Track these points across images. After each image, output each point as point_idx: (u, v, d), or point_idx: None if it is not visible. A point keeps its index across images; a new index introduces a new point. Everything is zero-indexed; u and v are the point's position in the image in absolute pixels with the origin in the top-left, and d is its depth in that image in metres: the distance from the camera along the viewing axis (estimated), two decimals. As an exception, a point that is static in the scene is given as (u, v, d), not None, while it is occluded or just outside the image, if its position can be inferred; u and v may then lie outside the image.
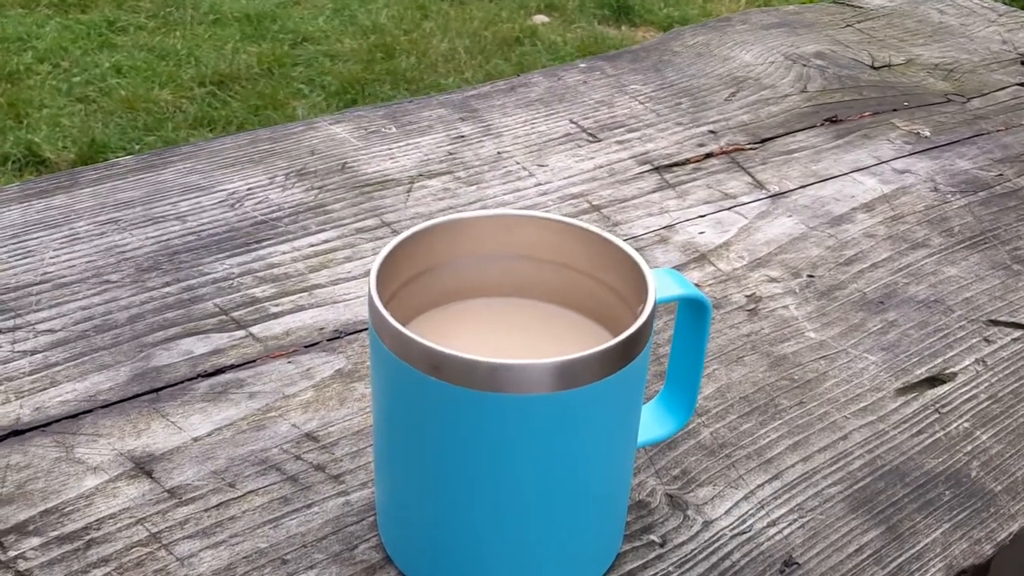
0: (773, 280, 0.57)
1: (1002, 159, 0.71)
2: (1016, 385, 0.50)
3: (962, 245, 0.61)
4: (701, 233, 0.61)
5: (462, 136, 0.69)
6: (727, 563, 0.39)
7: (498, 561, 0.36)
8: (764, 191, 0.65)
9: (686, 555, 0.40)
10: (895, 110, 0.78)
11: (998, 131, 0.75)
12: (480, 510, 0.34)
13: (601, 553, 0.38)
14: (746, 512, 0.42)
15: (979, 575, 0.41)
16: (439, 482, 0.34)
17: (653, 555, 0.39)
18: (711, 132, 0.73)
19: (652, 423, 0.41)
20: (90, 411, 0.45)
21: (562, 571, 0.37)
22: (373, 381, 0.36)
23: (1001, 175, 0.69)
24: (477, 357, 0.31)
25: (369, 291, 0.34)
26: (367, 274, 0.55)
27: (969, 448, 0.46)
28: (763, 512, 0.42)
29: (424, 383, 0.32)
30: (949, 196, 0.66)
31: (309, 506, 0.41)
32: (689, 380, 0.40)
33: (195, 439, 0.44)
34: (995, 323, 0.54)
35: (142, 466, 0.42)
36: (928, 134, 0.74)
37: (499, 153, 0.68)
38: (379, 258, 0.35)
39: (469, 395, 0.32)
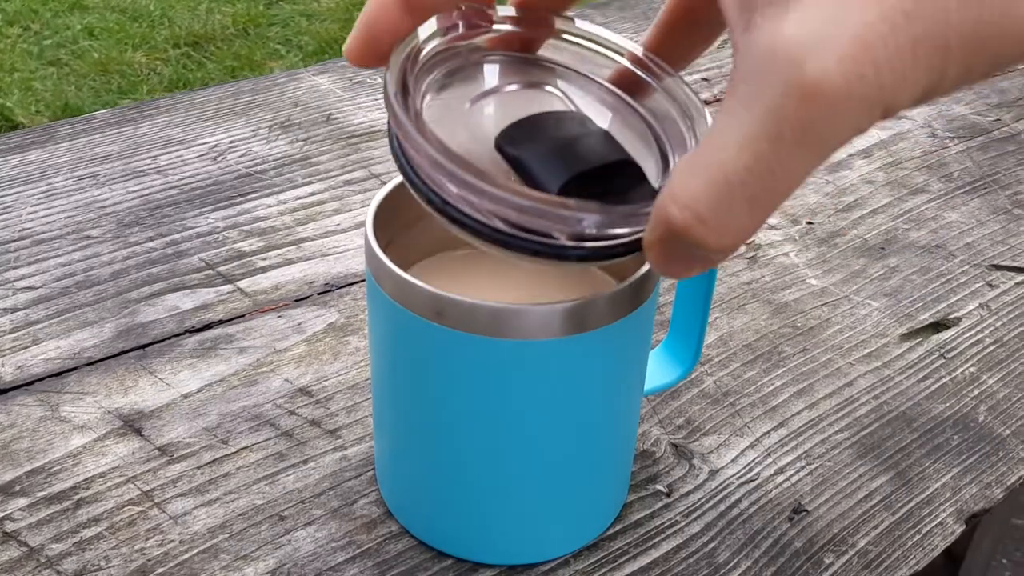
0: (772, 227, 0.56)
1: (999, 104, 0.70)
2: (1021, 329, 0.49)
3: (962, 190, 0.60)
4: (697, 181, 0.59)
5: (450, 86, 0.68)
6: (735, 511, 0.39)
7: (502, 512, 0.35)
8: (760, 138, 0.64)
9: (693, 504, 0.39)
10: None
11: (994, 76, 0.74)
12: (485, 460, 0.33)
13: (608, 503, 0.37)
14: (752, 460, 0.41)
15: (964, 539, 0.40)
16: (442, 432, 0.33)
17: (660, 504, 0.39)
18: (704, 80, 0.71)
19: (656, 371, 0.40)
20: (75, 369, 0.43)
21: (569, 522, 0.36)
22: (371, 330, 0.34)
23: (998, 120, 0.68)
24: (481, 301, 0.30)
25: (366, 235, 0.32)
26: (357, 226, 0.53)
27: (976, 392, 0.45)
28: (770, 460, 0.41)
29: (426, 329, 0.31)
30: (947, 141, 0.65)
31: (305, 461, 0.40)
32: (694, 328, 0.39)
33: (185, 396, 0.42)
34: (997, 267, 0.53)
35: (131, 424, 0.41)
36: (924, 80, 0.73)
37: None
38: (374, 203, 0.34)
39: (473, 340, 0.30)
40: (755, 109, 0.21)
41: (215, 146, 0.59)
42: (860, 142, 0.64)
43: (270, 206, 0.54)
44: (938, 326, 0.49)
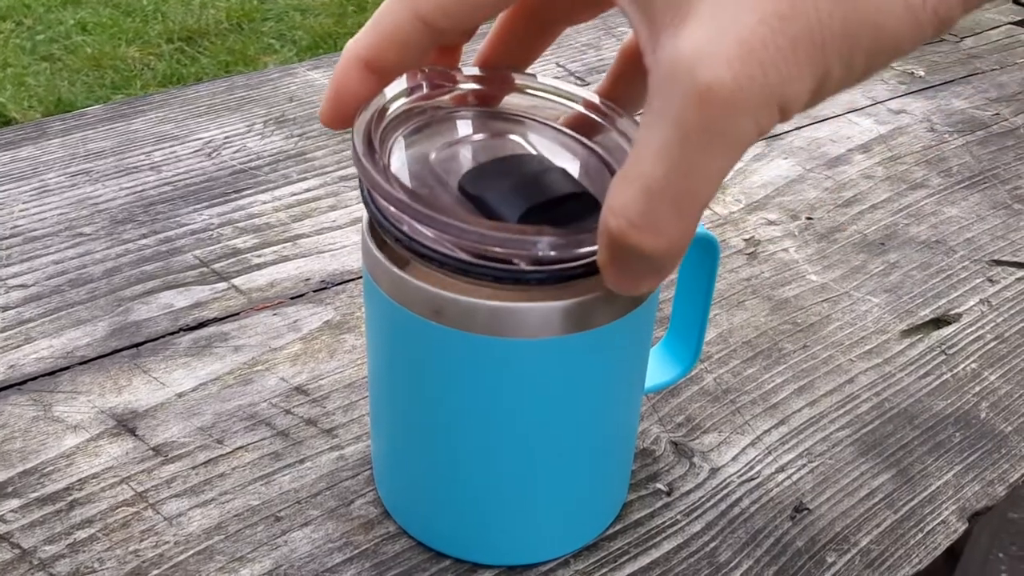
0: (771, 223, 0.55)
1: (998, 98, 0.70)
2: (1022, 325, 0.49)
3: (961, 185, 0.60)
4: (696, 177, 0.59)
5: (446, 81, 0.67)
6: (736, 510, 0.38)
7: (501, 511, 0.34)
8: (759, 133, 0.63)
9: (694, 503, 0.38)
10: (888, 50, 0.76)
11: (992, 70, 0.74)
12: (483, 459, 0.33)
13: (608, 503, 0.37)
14: (753, 458, 0.40)
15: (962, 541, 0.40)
16: (440, 432, 0.33)
17: (660, 503, 0.38)
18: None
19: (656, 369, 0.39)
20: (67, 368, 0.43)
21: (568, 521, 0.36)
22: (368, 329, 0.34)
23: (997, 114, 0.68)
24: (479, 300, 0.29)
25: (363, 233, 0.32)
26: (353, 223, 0.53)
27: (977, 389, 0.45)
28: (771, 458, 0.41)
29: (424, 328, 0.30)
30: (946, 136, 0.65)
31: (302, 461, 0.39)
32: (695, 325, 0.38)
33: (179, 395, 0.42)
34: (998, 263, 0.53)
35: (125, 424, 0.40)
36: (922, 74, 0.72)
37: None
38: None
39: (472, 340, 0.30)
40: (665, 119, 0.23)
41: (209, 142, 0.59)
42: (859, 137, 0.64)
43: (265, 202, 0.54)
44: (939, 322, 0.49)
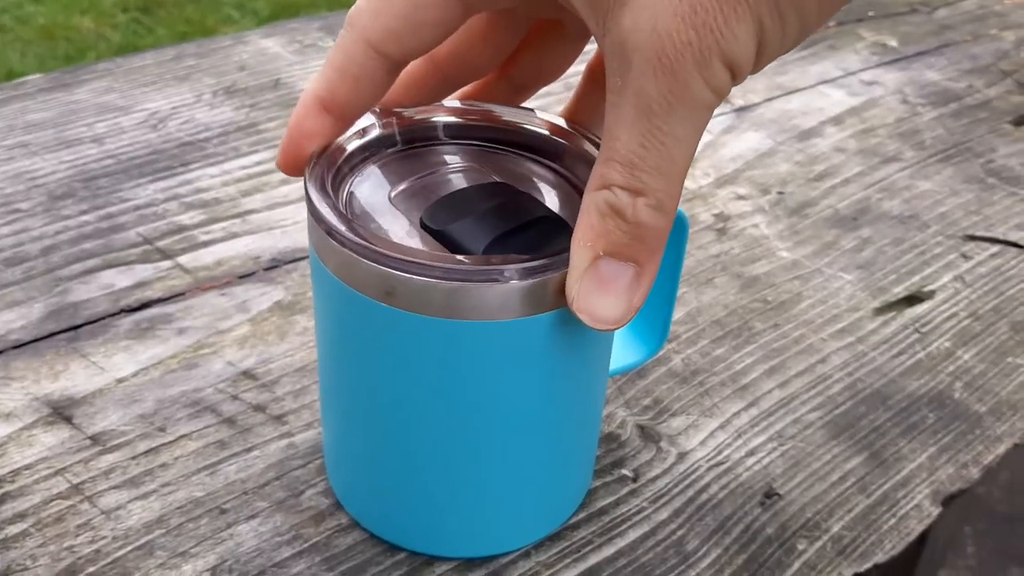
0: (741, 198, 0.54)
1: (971, 70, 0.69)
2: (996, 302, 0.48)
3: (935, 158, 0.58)
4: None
5: (406, 50, 0.65)
6: (704, 496, 0.37)
7: (459, 502, 0.33)
8: (728, 104, 0.62)
9: (661, 489, 0.37)
10: (860, 20, 0.74)
11: (965, 41, 0.73)
12: (439, 448, 0.31)
13: (571, 491, 0.35)
14: (722, 442, 0.39)
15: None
16: (392, 420, 0.31)
17: (626, 490, 0.37)
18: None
19: (622, 350, 0.38)
20: (0, 352, 0.41)
21: (530, 511, 0.34)
22: (316, 311, 0.32)
23: (971, 86, 0.67)
24: (434, 280, 0.27)
25: (309, 207, 0.29)
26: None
27: (951, 368, 0.43)
28: (740, 441, 0.39)
29: (375, 312, 0.28)
30: (919, 108, 0.63)
31: (249, 450, 0.37)
32: (662, 303, 0.36)
33: (119, 380, 0.39)
34: (972, 238, 0.52)
35: (60, 411, 0.38)
36: (895, 45, 0.71)
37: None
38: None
39: (426, 323, 0.28)
40: (625, 96, 0.24)
41: (155, 113, 0.56)
42: (831, 109, 0.62)
43: (213, 176, 0.51)
44: (912, 299, 0.47)
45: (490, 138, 0.33)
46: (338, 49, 0.28)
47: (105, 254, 0.46)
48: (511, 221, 0.29)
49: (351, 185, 0.31)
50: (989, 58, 0.70)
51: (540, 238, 0.28)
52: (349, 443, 0.33)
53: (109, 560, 0.33)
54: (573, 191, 0.32)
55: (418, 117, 0.32)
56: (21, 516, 0.34)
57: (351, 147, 0.31)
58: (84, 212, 0.48)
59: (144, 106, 0.57)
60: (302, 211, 0.49)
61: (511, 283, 0.27)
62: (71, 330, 0.42)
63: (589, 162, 0.31)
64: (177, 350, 0.41)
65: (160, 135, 0.54)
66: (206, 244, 0.47)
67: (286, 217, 0.49)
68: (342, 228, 0.27)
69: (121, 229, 0.47)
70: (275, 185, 0.51)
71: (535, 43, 0.33)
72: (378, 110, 0.32)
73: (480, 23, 0.32)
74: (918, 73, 0.68)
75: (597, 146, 0.31)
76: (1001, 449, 0.40)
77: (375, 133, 0.32)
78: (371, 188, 0.31)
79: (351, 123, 0.30)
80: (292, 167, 0.30)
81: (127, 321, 0.42)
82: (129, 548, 0.33)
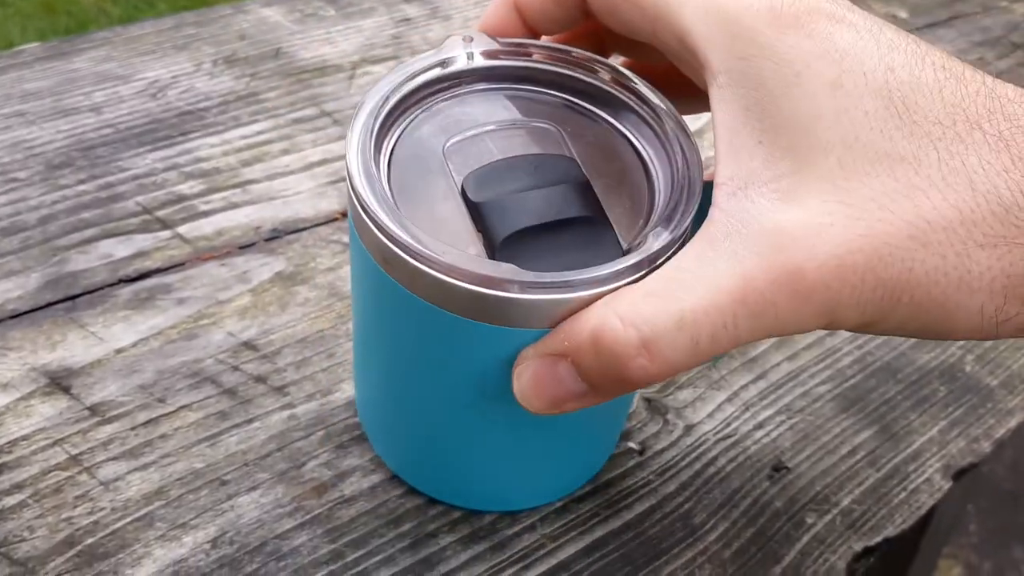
0: (749, 169, 0.53)
1: (982, 42, 0.68)
2: (1008, 275, 0.47)
3: (945, 130, 0.57)
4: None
5: (408, 19, 0.63)
6: (712, 469, 0.36)
7: (486, 466, 0.32)
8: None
9: (668, 462, 0.36)
10: (870, -9, 0.73)
11: (975, 13, 0.71)
12: (476, 434, 0.30)
13: (586, 468, 0.35)
14: (730, 415, 0.38)
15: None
16: (417, 391, 0.30)
17: (632, 463, 0.36)
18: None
19: None
20: (-4, 322, 0.40)
21: (549, 484, 0.33)
22: (354, 285, 0.30)
23: (981, 58, 0.65)
24: (486, 291, 0.25)
25: (350, 179, 0.27)
26: (306, 168, 0.49)
27: (963, 341, 0.43)
28: (748, 414, 0.38)
29: (428, 312, 0.27)
30: (929, 80, 0.62)
31: (250, 421, 0.36)
32: None
33: (118, 351, 0.39)
34: (983, 211, 0.51)
35: (58, 382, 0.37)
36: (905, 16, 0.70)
37: (448, 37, 0.62)
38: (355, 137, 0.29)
39: (471, 327, 0.26)
40: (731, 266, 0.23)
41: (154, 82, 0.55)
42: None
43: (213, 146, 0.50)
44: (922, 272, 0.47)
45: (580, 90, 0.30)
46: None
47: (104, 223, 0.45)
48: (546, 215, 0.26)
49: (415, 121, 0.29)
50: (1000, 30, 0.69)
51: (572, 240, 0.26)
52: (382, 402, 0.32)
53: (108, 531, 0.32)
54: (641, 169, 0.29)
55: (508, 54, 0.30)
56: (18, 487, 0.34)
57: (428, 77, 0.29)
58: (82, 181, 0.47)
59: (143, 75, 0.56)
60: (303, 181, 0.49)
61: (556, 296, 0.25)
62: (69, 300, 0.41)
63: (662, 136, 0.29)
64: (177, 320, 0.40)
65: (159, 104, 0.53)
66: (206, 214, 0.46)
67: (287, 187, 0.48)
68: (373, 204, 0.26)
69: (120, 199, 0.46)
70: (276, 155, 0.50)
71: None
72: (471, 38, 0.30)
73: None
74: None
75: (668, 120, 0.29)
76: (1013, 423, 0.39)
77: (457, 65, 0.29)
78: (432, 131, 0.29)
79: (537, 31, 0.30)
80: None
81: (126, 291, 0.42)
82: (128, 519, 0.33)
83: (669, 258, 0.25)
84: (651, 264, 0.25)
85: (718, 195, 0.24)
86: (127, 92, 0.54)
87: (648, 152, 0.29)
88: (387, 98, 0.28)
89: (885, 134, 0.23)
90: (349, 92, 0.56)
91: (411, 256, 0.25)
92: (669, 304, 0.23)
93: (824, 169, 0.23)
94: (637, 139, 0.29)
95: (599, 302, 0.24)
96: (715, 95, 0.25)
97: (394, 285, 0.26)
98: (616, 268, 0.24)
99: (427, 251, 0.25)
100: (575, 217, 0.26)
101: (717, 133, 0.25)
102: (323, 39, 0.60)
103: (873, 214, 0.22)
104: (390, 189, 0.27)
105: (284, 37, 0.60)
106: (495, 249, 0.26)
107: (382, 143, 0.28)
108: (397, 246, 0.25)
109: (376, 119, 0.27)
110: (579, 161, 0.28)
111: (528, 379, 0.25)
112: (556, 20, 0.30)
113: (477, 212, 0.26)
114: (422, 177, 0.27)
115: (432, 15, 0.64)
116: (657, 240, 0.25)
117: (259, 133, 0.52)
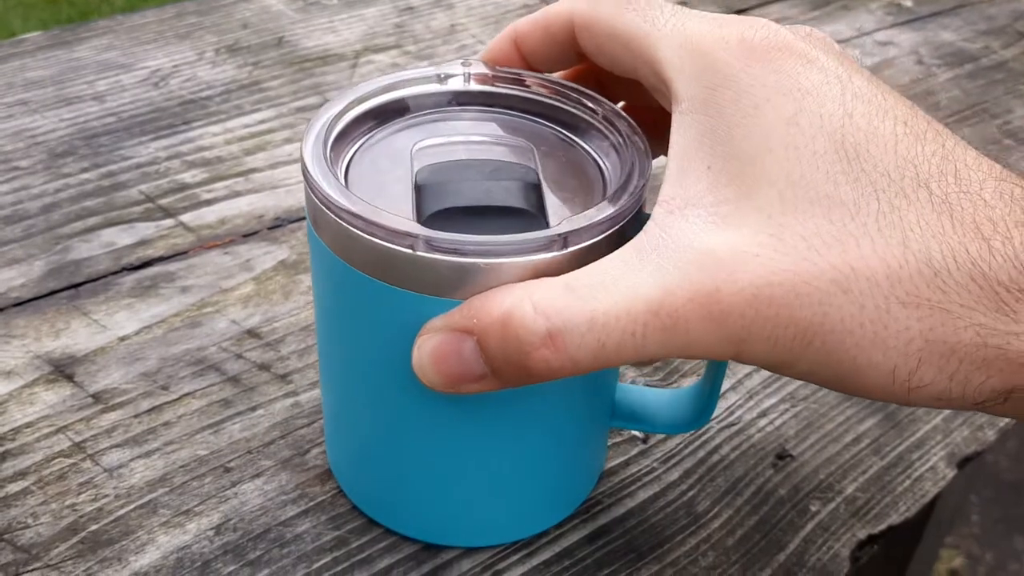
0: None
1: (987, 31, 0.67)
2: (1012, 263, 0.47)
3: (951, 119, 0.57)
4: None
5: (411, 7, 0.63)
6: (715, 457, 0.36)
7: (464, 497, 0.31)
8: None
9: (671, 450, 0.36)
10: (874, -20, 0.73)
11: (981, 2, 0.71)
12: (443, 448, 0.29)
13: (574, 491, 0.34)
14: (734, 403, 0.38)
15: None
16: (351, 385, 0.29)
17: (636, 451, 0.36)
18: (682, 3, 0.67)
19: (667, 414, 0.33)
20: (1, 310, 0.40)
21: (533, 504, 0.32)
22: (314, 282, 0.30)
23: (987, 47, 0.65)
24: (389, 244, 0.25)
25: (303, 167, 0.28)
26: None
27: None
28: (752, 403, 0.38)
29: (341, 272, 0.26)
30: (934, 69, 0.62)
31: (253, 408, 0.36)
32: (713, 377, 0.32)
33: (121, 338, 0.39)
34: (988, 199, 0.51)
35: (62, 369, 0.37)
36: (910, 5, 0.70)
37: (452, 26, 0.62)
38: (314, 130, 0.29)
39: (379, 288, 0.25)
40: (653, 278, 0.23)
41: (157, 71, 0.55)
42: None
43: (216, 135, 0.50)
44: (927, 261, 0.47)
45: (566, 121, 0.31)
46: (553, 4, 0.30)
47: (107, 212, 0.45)
48: (481, 200, 0.27)
49: (397, 127, 0.30)
50: (1005, 18, 0.69)
51: (501, 229, 0.25)
52: (348, 429, 0.31)
53: (112, 518, 0.32)
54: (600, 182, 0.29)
55: (501, 81, 0.31)
56: (22, 474, 0.34)
57: (422, 90, 0.31)
58: (85, 170, 0.47)
59: (146, 64, 0.56)
60: (306, 170, 0.48)
61: (526, 259, 0.24)
62: (72, 288, 0.41)
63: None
64: (180, 308, 0.40)
65: (162, 93, 0.53)
66: (209, 203, 0.46)
67: (289, 176, 0.48)
68: (310, 161, 0.27)
69: (123, 187, 0.46)
70: (278, 144, 0.50)
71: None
72: (470, 63, 0.31)
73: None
74: (933, 34, 0.66)
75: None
76: (1017, 411, 0.39)
77: (451, 84, 0.31)
78: (411, 135, 0.30)
79: (536, 68, 0.31)
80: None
81: (129, 279, 0.42)
82: (132, 506, 0.33)
83: (586, 245, 0.25)
84: (564, 245, 0.25)
85: (657, 211, 0.24)
86: (129, 81, 0.54)
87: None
88: (375, 95, 0.29)
89: (830, 176, 0.23)
90: (352, 81, 0.55)
91: (327, 207, 0.25)
92: (585, 302, 0.23)
93: (764, 201, 0.23)
94: (608, 168, 0.29)
95: (517, 285, 0.24)
96: (676, 120, 0.25)
97: (319, 244, 0.27)
98: (523, 239, 0.24)
99: (340, 201, 0.25)
100: (509, 208, 0.27)
101: (670, 154, 0.25)
102: (326, 28, 0.60)
103: (800, 252, 0.22)
104: (346, 170, 0.28)
105: (286, 26, 0.60)
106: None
107: (354, 133, 0.29)
108: (318, 198, 0.26)
109: (355, 104, 0.29)
110: (540, 174, 0.28)
111: (429, 351, 0.25)
112: (551, 57, 0.30)
113: (418, 194, 0.27)
114: (387, 170, 0.28)
115: (435, 3, 0.64)
116: (571, 223, 0.25)
117: (262, 122, 0.51)
